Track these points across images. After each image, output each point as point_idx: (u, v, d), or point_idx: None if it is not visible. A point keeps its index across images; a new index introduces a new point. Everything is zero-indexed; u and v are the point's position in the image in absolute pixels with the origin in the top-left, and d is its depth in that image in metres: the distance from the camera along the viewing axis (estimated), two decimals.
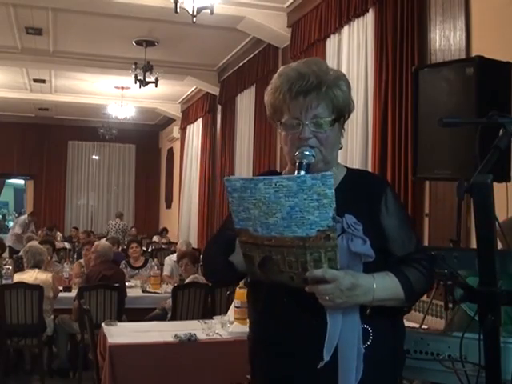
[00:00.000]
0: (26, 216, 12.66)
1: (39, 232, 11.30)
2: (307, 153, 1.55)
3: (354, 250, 1.47)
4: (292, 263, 1.42)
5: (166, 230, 12.82)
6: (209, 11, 5.42)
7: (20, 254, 6.48)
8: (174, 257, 6.93)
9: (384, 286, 1.50)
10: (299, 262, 1.41)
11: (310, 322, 1.50)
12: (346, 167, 1.72)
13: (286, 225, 1.38)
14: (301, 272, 1.42)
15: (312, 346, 1.49)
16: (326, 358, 1.47)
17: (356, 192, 1.60)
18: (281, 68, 1.65)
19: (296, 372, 1.52)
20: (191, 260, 5.66)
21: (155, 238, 12.05)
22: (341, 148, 1.67)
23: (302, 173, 1.52)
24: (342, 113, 1.61)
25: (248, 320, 1.74)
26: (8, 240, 11.57)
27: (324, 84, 1.56)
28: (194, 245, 10.18)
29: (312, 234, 1.37)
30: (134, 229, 13.14)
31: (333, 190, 1.34)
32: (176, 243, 9.20)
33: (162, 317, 5.33)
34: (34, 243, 6.17)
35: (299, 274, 1.42)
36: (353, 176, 1.66)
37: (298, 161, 1.55)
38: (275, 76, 1.64)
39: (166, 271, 6.73)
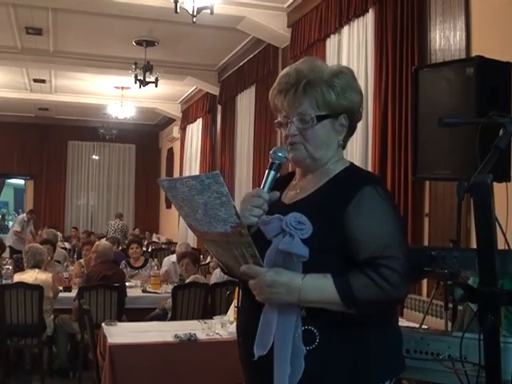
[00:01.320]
0: (24, 214, 12.66)
1: (39, 232, 11.30)
2: (280, 154, 1.59)
3: (280, 248, 1.44)
4: (230, 258, 1.48)
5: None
6: (209, 11, 5.42)
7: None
8: (172, 257, 6.94)
9: (314, 287, 1.44)
10: (233, 257, 1.46)
11: (256, 317, 1.52)
12: (349, 165, 1.66)
13: (208, 221, 1.43)
14: (238, 267, 1.47)
15: (253, 340, 1.52)
16: (258, 352, 1.48)
17: (334, 191, 1.57)
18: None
19: (248, 363, 1.57)
20: (192, 260, 5.66)
21: (154, 238, 12.08)
22: (342, 146, 1.65)
23: (272, 173, 1.58)
24: (334, 110, 1.59)
25: None
26: (8, 240, 11.57)
27: (302, 81, 1.57)
28: (194, 245, 10.17)
29: (228, 231, 1.40)
30: (137, 229, 13.13)
31: (225, 188, 1.36)
32: (176, 243, 9.20)
33: (162, 317, 5.33)
34: (34, 243, 6.18)
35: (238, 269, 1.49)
36: (344, 174, 1.61)
37: (270, 160, 1.59)
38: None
39: (162, 271, 6.72)
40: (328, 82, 1.57)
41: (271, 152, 1.60)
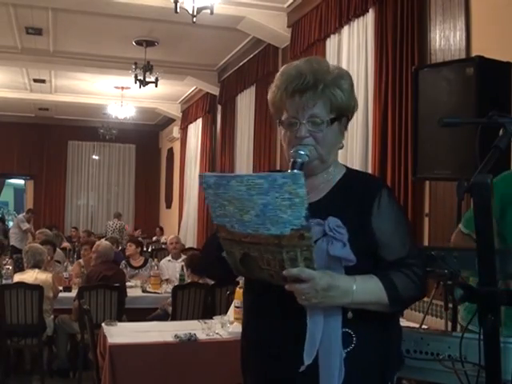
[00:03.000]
0: (24, 214, 12.67)
1: (37, 232, 11.30)
2: (302, 152, 1.55)
3: (333, 254, 1.45)
4: (270, 261, 1.42)
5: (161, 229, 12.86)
6: (209, 11, 5.42)
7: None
8: (168, 257, 6.95)
9: (365, 288, 1.47)
10: (276, 259, 1.41)
11: (292, 323, 1.49)
12: (346, 167, 1.70)
13: (261, 222, 1.37)
14: (279, 270, 1.42)
15: (294, 347, 1.47)
16: (307, 361, 1.44)
17: (349, 194, 1.58)
18: (283, 66, 1.66)
19: (279, 374, 1.52)
20: None
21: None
22: (341, 147, 1.67)
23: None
24: (341, 112, 1.60)
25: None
26: (9, 239, 11.58)
27: (321, 83, 1.55)
28: (194, 245, 10.18)
29: (286, 233, 1.36)
30: (139, 231, 13.13)
31: (304, 189, 1.32)
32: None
33: (163, 317, 5.32)
34: (34, 243, 6.18)
35: (277, 272, 1.42)
36: (350, 177, 1.64)
37: (292, 159, 1.56)
38: (277, 74, 1.64)
39: (163, 276, 6.71)
40: (338, 84, 1.58)
41: (292, 151, 1.56)
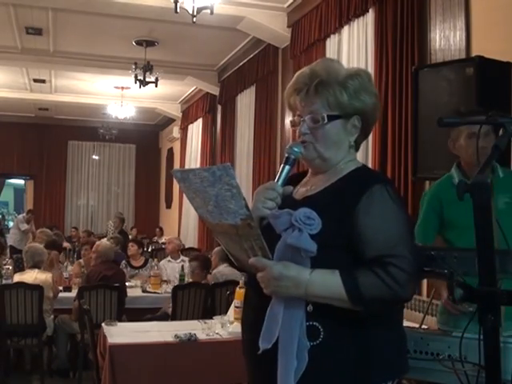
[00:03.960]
0: (24, 214, 12.67)
1: (37, 231, 11.30)
2: (295, 149, 1.60)
3: (288, 242, 1.44)
4: (240, 250, 1.49)
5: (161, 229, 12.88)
6: (209, 11, 5.42)
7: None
8: (167, 258, 6.96)
9: (322, 282, 1.45)
10: (242, 249, 1.48)
11: (263, 310, 1.52)
12: (362, 165, 1.67)
13: (219, 213, 1.44)
14: (246, 259, 1.48)
15: (259, 333, 1.52)
16: (263, 345, 1.49)
17: (342, 188, 1.58)
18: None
19: (251, 358, 1.59)
20: (201, 264, 5.52)
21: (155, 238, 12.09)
22: (351, 146, 1.65)
23: (287, 167, 1.59)
24: (345, 111, 1.60)
25: None
26: (9, 239, 11.59)
27: (314, 81, 1.59)
28: (194, 245, 10.18)
29: (238, 223, 1.41)
30: (134, 230, 13.14)
31: (236, 180, 1.37)
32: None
33: (162, 318, 5.31)
34: (34, 243, 6.18)
35: (247, 261, 1.49)
36: (353, 174, 1.63)
37: (286, 155, 1.60)
38: None
39: (164, 277, 6.71)
40: (341, 83, 1.59)
41: (287, 147, 1.61)
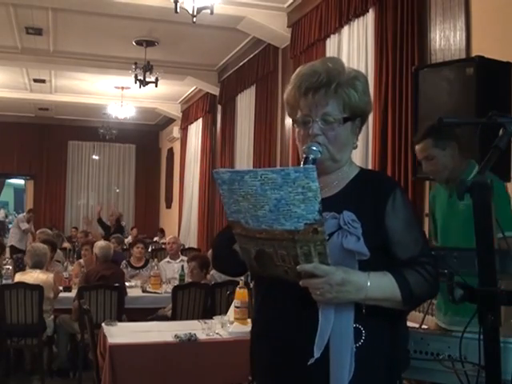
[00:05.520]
0: (24, 214, 12.66)
1: (37, 232, 11.31)
2: (314, 148, 1.56)
3: (346, 247, 1.46)
4: (284, 257, 1.43)
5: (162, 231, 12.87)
6: (209, 11, 5.42)
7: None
8: (166, 259, 6.96)
9: (379, 285, 1.48)
10: (290, 255, 1.41)
11: (304, 318, 1.50)
12: (361, 168, 1.71)
13: (275, 218, 1.38)
14: (293, 266, 1.42)
15: (304, 341, 1.48)
16: (317, 354, 1.46)
17: (363, 192, 1.58)
18: (300, 66, 1.68)
19: (288, 366, 1.53)
20: (200, 264, 5.50)
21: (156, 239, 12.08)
22: (355, 148, 1.68)
23: None
24: (355, 112, 1.61)
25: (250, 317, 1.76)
26: (10, 239, 11.59)
27: (334, 82, 1.57)
28: (194, 244, 10.18)
29: (300, 228, 1.36)
30: (134, 230, 13.13)
31: (317, 183, 1.33)
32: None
33: (162, 318, 5.31)
34: (36, 243, 6.17)
35: (292, 268, 1.42)
36: (364, 176, 1.65)
37: (304, 155, 1.56)
38: (293, 74, 1.66)
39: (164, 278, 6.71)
40: (352, 85, 1.59)
41: (305, 147, 1.57)
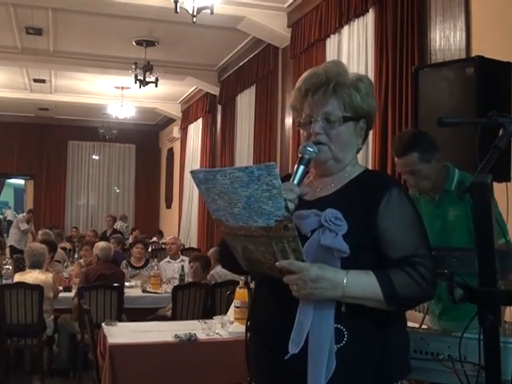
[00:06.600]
0: (24, 214, 12.66)
1: (39, 233, 11.32)
2: (309, 148, 1.57)
3: (323, 243, 1.44)
4: (264, 253, 1.45)
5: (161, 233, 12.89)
6: (209, 11, 5.42)
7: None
8: (166, 259, 6.96)
9: (358, 283, 1.45)
10: (269, 252, 1.43)
11: (286, 312, 1.50)
12: (366, 169, 1.71)
13: (248, 215, 1.40)
14: (273, 263, 1.44)
15: (284, 336, 1.48)
16: (293, 350, 1.46)
17: (358, 191, 1.58)
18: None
19: (272, 362, 1.54)
20: (202, 264, 5.52)
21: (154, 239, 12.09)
22: (360, 149, 1.69)
23: (302, 167, 1.56)
24: (357, 113, 1.62)
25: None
26: (10, 239, 11.60)
27: (332, 81, 1.59)
28: (194, 244, 10.18)
29: (272, 224, 1.37)
30: (137, 231, 13.13)
31: (279, 180, 1.34)
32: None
33: (162, 318, 5.31)
34: (35, 243, 6.17)
35: (273, 265, 1.44)
36: (364, 176, 1.64)
37: (299, 155, 1.57)
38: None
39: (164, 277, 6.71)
40: (354, 86, 1.61)
41: (301, 147, 1.58)
